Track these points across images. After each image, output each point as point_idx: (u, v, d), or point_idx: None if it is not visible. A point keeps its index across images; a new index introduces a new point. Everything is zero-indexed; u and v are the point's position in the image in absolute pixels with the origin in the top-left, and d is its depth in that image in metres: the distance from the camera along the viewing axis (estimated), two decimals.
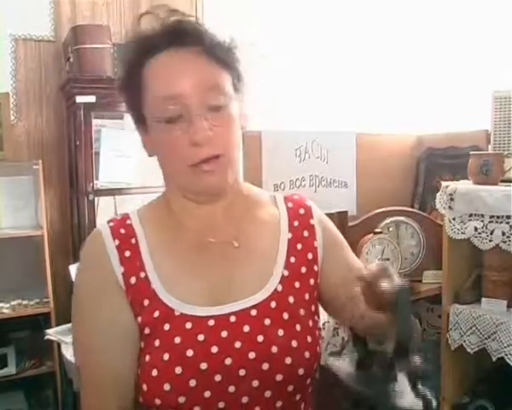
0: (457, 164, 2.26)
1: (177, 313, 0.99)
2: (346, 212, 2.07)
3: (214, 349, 0.96)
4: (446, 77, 2.66)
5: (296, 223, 1.13)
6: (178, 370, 0.94)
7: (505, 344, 1.86)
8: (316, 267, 1.11)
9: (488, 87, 2.25)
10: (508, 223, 1.85)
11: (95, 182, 2.87)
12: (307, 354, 1.01)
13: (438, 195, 2.03)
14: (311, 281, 1.10)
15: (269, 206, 1.15)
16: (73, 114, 2.87)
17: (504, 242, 1.86)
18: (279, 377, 0.98)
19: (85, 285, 1.05)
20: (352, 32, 2.99)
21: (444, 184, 2.03)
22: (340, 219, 1.89)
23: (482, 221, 1.91)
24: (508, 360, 1.86)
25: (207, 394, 0.95)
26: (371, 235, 2.13)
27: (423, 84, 2.73)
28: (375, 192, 2.39)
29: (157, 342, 0.97)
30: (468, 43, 2.58)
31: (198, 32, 1.02)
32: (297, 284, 1.07)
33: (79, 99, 2.71)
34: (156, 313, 0.99)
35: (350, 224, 2.12)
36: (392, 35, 2.89)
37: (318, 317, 1.12)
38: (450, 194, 1.98)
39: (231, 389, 0.96)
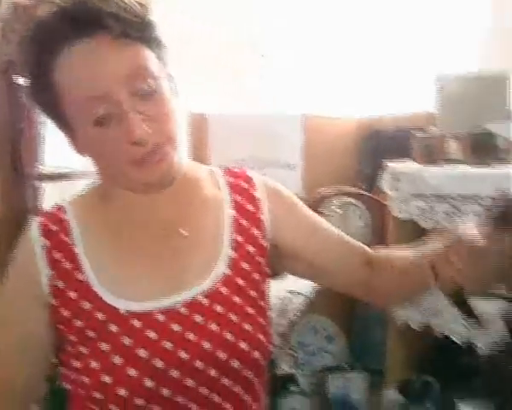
0: (403, 146, 2.28)
1: (123, 312, 0.95)
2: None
3: (168, 345, 0.93)
4: (391, 59, 2.68)
5: (239, 198, 1.09)
6: (133, 372, 0.91)
7: (449, 321, 1.90)
8: (264, 243, 1.08)
9: (432, 69, 2.29)
10: (450, 202, 1.88)
11: (40, 167, 2.80)
12: (261, 337, 1.00)
13: (383, 176, 2.06)
14: (260, 259, 1.07)
15: (209, 183, 1.11)
16: (16, 96, 2.79)
17: (447, 221, 1.90)
18: (236, 364, 0.97)
19: (6, 288, 1.01)
20: (304, 15, 2.97)
21: (388, 165, 2.06)
22: None
23: (425, 201, 1.94)
24: (452, 337, 1.90)
25: (165, 391, 0.93)
26: None
27: (369, 67, 2.74)
28: (323, 174, 2.40)
29: (104, 346, 0.93)
30: (412, 27, 2.61)
31: (98, 13, 0.90)
32: (245, 265, 1.05)
33: (22, 81, 2.63)
34: (100, 315, 0.95)
35: None
36: (341, 19, 2.88)
37: (268, 296, 1.10)
38: (395, 175, 2.00)
39: (190, 382, 0.94)
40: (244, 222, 1.08)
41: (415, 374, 2.09)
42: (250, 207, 1.10)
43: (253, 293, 1.04)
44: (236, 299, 1.01)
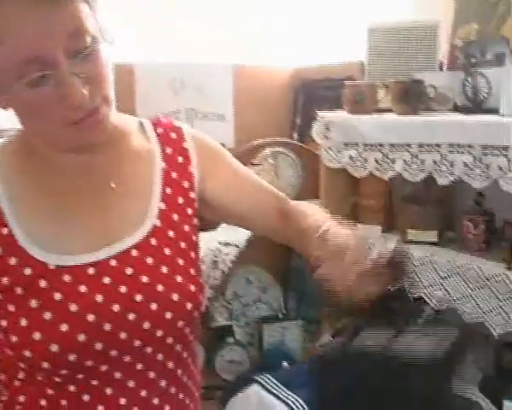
0: (334, 95, 2.29)
1: (51, 267, 0.92)
2: (222, 145, 2.06)
3: (99, 298, 0.92)
4: (324, 8, 2.66)
5: (169, 150, 1.08)
6: (64, 327, 0.89)
7: None
8: (193, 194, 1.08)
9: (363, 19, 2.29)
10: (380, 151, 1.90)
11: None
12: (193, 288, 1.00)
13: (314, 125, 2.06)
14: (189, 210, 1.07)
15: (139, 135, 1.08)
16: None
17: (378, 169, 1.92)
18: (168, 315, 0.96)
19: None
20: None
21: (320, 114, 2.06)
22: None
23: (357, 150, 1.95)
24: None
25: (98, 346, 0.91)
26: (249, 167, 2.13)
27: (301, 16, 2.72)
28: (254, 125, 2.38)
29: (34, 303, 0.91)
30: None
31: None
32: (175, 217, 1.04)
33: None
34: (27, 271, 0.92)
35: None
36: None
37: (199, 247, 1.09)
38: (326, 124, 2.01)
39: (123, 335, 0.93)
40: (174, 174, 1.07)
41: (348, 320, 2.13)
42: (180, 159, 1.09)
43: (183, 244, 1.04)
44: (167, 251, 1.01)
